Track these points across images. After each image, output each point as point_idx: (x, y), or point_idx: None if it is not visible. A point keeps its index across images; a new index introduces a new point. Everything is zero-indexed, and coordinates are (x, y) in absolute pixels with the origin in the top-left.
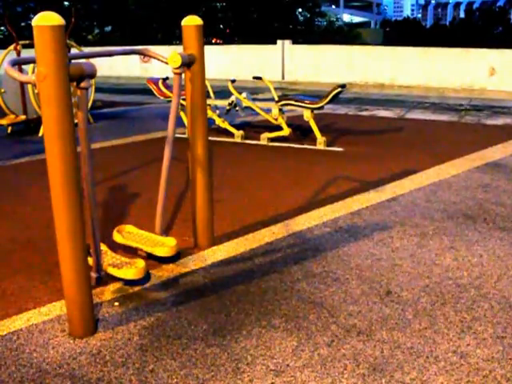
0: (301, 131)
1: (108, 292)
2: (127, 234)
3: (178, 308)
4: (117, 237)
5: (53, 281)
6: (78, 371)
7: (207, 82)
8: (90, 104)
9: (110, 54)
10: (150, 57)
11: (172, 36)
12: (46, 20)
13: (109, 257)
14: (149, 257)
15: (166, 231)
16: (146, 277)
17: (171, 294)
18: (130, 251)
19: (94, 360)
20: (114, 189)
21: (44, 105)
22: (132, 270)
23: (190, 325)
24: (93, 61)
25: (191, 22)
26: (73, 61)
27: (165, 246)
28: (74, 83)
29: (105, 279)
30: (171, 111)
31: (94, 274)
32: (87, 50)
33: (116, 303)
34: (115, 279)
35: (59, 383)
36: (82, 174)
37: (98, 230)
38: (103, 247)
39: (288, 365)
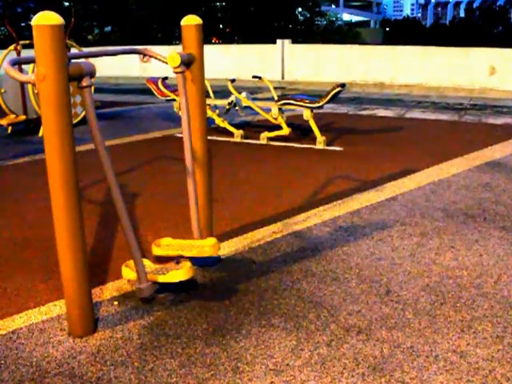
0: (300, 131)
1: (107, 291)
2: (166, 246)
3: (177, 307)
4: (156, 250)
5: (53, 280)
6: (78, 370)
7: (207, 82)
8: None
9: (109, 54)
10: (150, 56)
11: (172, 36)
12: (45, 20)
13: (152, 268)
14: (193, 263)
15: (166, 231)
16: (194, 280)
17: (171, 293)
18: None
19: (94, 359)
20: None
21: (43, 104)
22: (180, 271)
23: (190, 324)
24: (92, 61)
25: (190, 21)
26: (72, 60)
27: (205, 246)
28: (73, 83)
29: (154, 289)
30: (182, 112)
31: (142, 286)
32: (87, 50)
33: (115, 302)
34: (163, 287)
35: (59, 382)
36: (113, 198)
37: (136, 243)
38: (144, 261)
39: (287, 364)
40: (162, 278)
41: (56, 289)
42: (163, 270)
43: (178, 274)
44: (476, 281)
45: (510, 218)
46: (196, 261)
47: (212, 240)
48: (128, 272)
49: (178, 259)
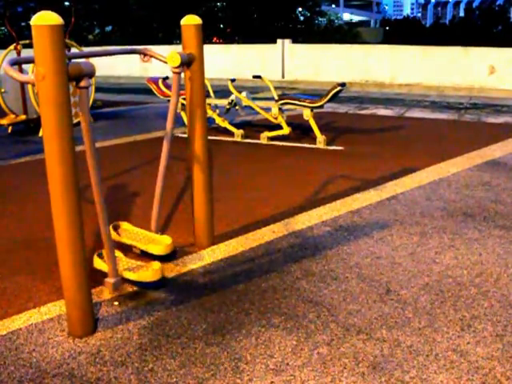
0: (301, 130)
1: (107, 291)
2: (123, 231)
3: (177, 307)
4: (112, 234)
5: (53, 280)
6: (78, 371)
7: (207, 82)
8: (90, 103)
9: (109, 54)
10: (150, 56)
11: (173, 35)
12: (44, 20)
13: (124, 262)
14: (143, 255)
15: (166, 230)
16: (162, 279)
17: (171, 293)
18: (127, 249)
19: (94, 359)
20: (113, 188)
21: (43, 104)
22: (148, 272)
23: (190, 324)
24: (93, 60)
25: (190, 21)
26: (72, 60)
27: (160, 243)
28: (74, 83)
29: (123, 284)
30: (169, 110)
31: (111, 280)
32: (87, 49)
33: (116, 302)
34: (132, 284)
35: (58, 383)
36: (92, 183)
37: (110, 236)
38: (117, 253)
39: (287, 364)
40: (129, 275)
41: (56, 289)
42: (133, 268)
43: (146, 275)
44: (476, 280)
45: (510, 216)
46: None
47: (167, 239)
48: (99, 263)
49: (132, 249)
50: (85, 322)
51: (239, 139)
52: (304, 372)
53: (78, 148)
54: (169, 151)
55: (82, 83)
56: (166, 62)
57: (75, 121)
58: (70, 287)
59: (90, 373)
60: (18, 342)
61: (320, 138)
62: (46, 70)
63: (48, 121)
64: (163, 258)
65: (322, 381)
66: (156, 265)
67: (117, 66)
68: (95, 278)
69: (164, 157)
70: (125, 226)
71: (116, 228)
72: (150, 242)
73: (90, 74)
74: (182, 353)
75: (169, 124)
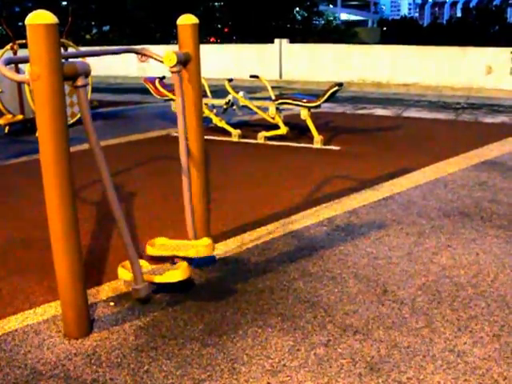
0: (298, 130)
1: (103, 292)
2: (160, 246)
3: (173, 308)
4: (150, 250)
5: (48, 281)
6: (73, 372)
7: (204, 81)
8: None
9: (105, 53)
10: (146, 55)
11: (170, 36)
12: (39, 19)
13: (148, 268)
14: (189, 264)
15: (165, 231)
16: (191, 279)
17: (167, 293)
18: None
19: (89, 361)
20: None
21: (38, 104)
22: (177, 271)
23: (186, 325)
24: (90, 60)
25: (186, 20)
26: (69, 60)
27: (200, 246)
28: (71, 83)
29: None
30: (178, 112)
31: (138, 286)
32: (85, 49)
33: (111, 303)
34: (160, 289)
35: None
36: (107, 197)
37: (132, 244)
38: (140, 262)
39: (284, 365)
40: (158, 279)
41: (52, 290)
42: (159, 271)
43: (175, 274)
44: (473, 280)
45: (507, 216)
46: (191, 261)
47: (207, 240)
48: (124, 273)
49: (173, 260)
50: (80, 323)
51: (236, 139)
52: (301, 373)
53: (75, 148)
54: (187, 156)
55: (78, 82)
56: (162, 62)
57: (72, 121)
58: (66, 288)
59: (85, 374)
60: (14, 343)
61: (317, 138)
62: (41, 70)
63: (43, 120)
64: (207, 260)
65: (319, 382)
66: (183, 263)
67: (114, 66)
68: (91, 278)
69: (184, 162)
70: (160, 240)
71: (152, 244)
72: (189, 248)
73: (86, 73)
74: (178, 354)
75: (180, 127)
